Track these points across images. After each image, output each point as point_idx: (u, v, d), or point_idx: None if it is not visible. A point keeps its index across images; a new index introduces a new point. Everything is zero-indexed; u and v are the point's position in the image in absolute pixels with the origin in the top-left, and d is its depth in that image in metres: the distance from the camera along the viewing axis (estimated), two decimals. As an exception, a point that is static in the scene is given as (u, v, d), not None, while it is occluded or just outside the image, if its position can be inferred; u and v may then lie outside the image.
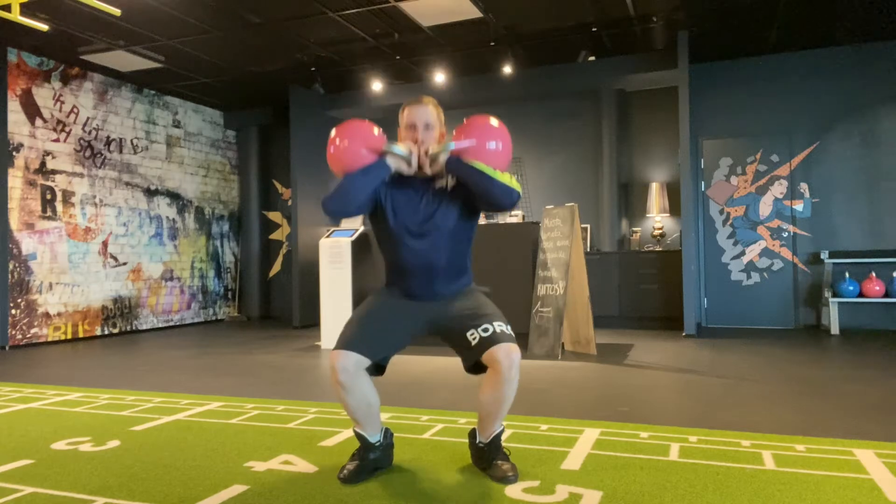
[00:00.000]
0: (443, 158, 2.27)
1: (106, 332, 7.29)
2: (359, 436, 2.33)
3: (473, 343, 2.22)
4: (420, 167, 2.30)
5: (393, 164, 2.28)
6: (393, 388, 3.86)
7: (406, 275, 2.33)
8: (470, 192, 2.29)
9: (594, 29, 6.21)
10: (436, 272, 2.32)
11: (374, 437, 2.34)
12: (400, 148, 2.27)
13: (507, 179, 2.26)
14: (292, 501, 2.10)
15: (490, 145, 2.29)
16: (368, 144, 2.28)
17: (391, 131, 2.54)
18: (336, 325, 5.88)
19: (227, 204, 9.23)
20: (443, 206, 2.32)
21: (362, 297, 5.89)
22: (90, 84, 7.19)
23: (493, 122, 2.36)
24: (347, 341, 2.23)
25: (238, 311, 9.23)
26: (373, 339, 2.26)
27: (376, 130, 2.34)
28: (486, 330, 2.21)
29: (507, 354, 2.15)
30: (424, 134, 2.32)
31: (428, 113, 2.34)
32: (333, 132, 2.33)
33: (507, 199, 2.24)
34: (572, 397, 3.65)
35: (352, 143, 2.28)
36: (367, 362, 2.23)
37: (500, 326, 2.23)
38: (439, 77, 7.39)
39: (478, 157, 2.27)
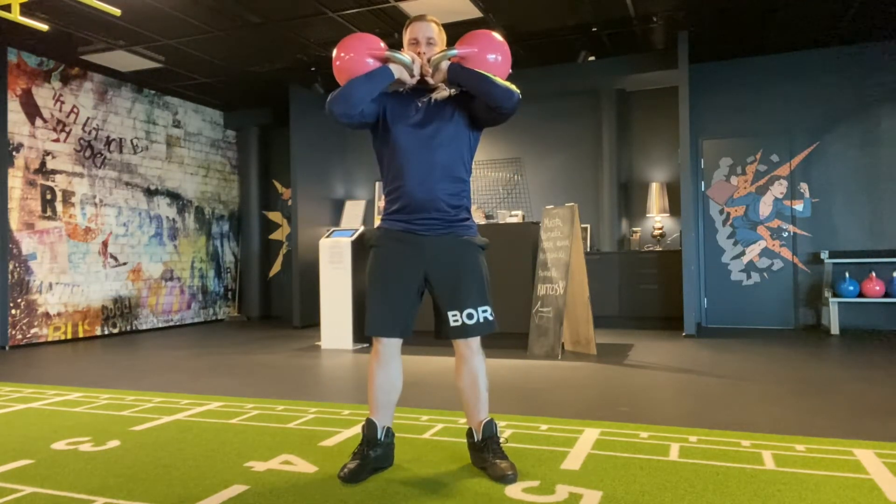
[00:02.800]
0: (444, 65, 2.31)
1: (106, 332, 7.29)
2: (369, 425, 2.35)
3: (452, 324, 2.33)
4: (422, 76, 2.35)
5: (396, 71, 2.31)
6: (393, 388, 3.86)
7: (405, 176, 2.33)
8: (471, 100, 2.34)
9: (594, 29, 6.21)
10: (433, 170, 2.32)
11: (380, 432, 2.35)
12: (403, 55, 2.32)
13: (507, 84, 2.30)
14: (292, 501, 2.10)
15: (490, 57, 2.35)
16: (372, 53, 2.33)
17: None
18: (336, 325, 5.89)
19: (227, 204, 9.23)
20: (443, 113, 2.37)
21: (362, 298, 5.89)
22: (90, 84, 7.19)
23: (495, 35, 2.41)
24: (384, 326, 2.34)
25: (238, 311, 9.23)
26: (398, 315, 2.34)
27: (380, 42, 2.38)
28: (469, 317, 2.32)
29: (467, 345, 2.36)
30: (427, 48, 2.37)
31: (430, 28, 2.40)
32: (338, 46, 2.37)
33: (508, 101, 2.28)
34: (572, 397, 3.65)
35: (356, 54, 2.33)
36: (400, 341, 2.39)
37: (484, 314, 2.34)
38: (439, 77, 7.38)
39: (478, 65, 2.33)
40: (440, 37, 2.42)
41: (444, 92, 2.42)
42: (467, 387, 2.38)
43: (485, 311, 2.34)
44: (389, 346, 2.36)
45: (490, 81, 2.27)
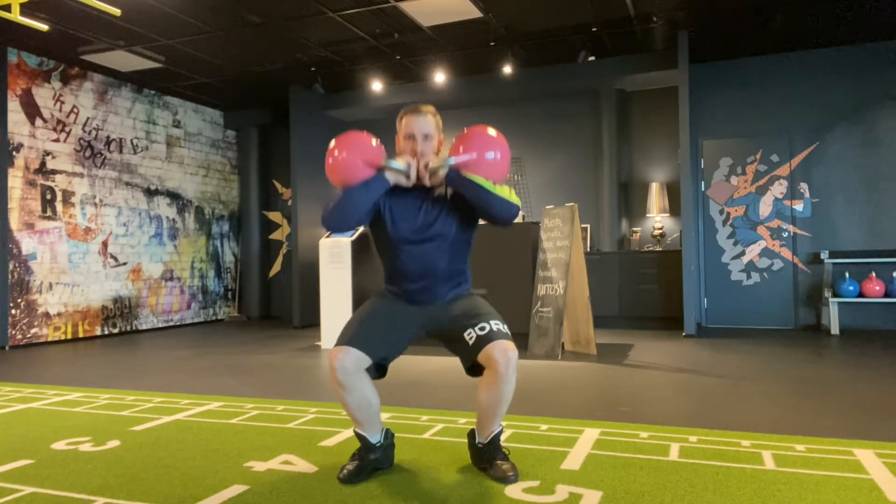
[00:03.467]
0: (442, 173, 2.25)
1: (106, 332, 7.29)
2: (359, 436, 2.33)
3: (471, 342, 2.23)
4: (419, 179, 2.30)
5: (392, 178, 2.27)
6: (393, 388, 3.86)
7: (405, 280, 2.34)
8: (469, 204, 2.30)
9: (594, 29, 6.21)
10: (435, 277, 2.32)
11: (375, 438, 2.34)
12: (398, 163, 2.26)
13: (507, 193, 2.26)
14: (292, 501, 2.11)
15: (489, 156, 2.28)
16: (367, 158, 2.27)
17: (390, 136, 2.54)
18: (336, 325, 5.88)
19: (227, 204, 9.23)
20: (443, 214, 2.32)
21: (362, 297, 5.89)
22: (90, 84, 7.19)
23: (492, 132, 2.34)
24: (345, 340, 2.24)
25: (238, 311, 9.23)
26: (371, 337, 2.26)
27: (374, 142, 2.33)
28: (482, 328, 2.23)
29: (503, 353, 2.16)
30: (423, 144, 2.31)
31: (427, 123, 2.33)
32: (332, 143, 2.33)
33: (506, 214, 2.26)
34: (572, 397, 3.65)
35: (350, 156, 2.27)
36: (366, 361, 2.23)
37: (497, 325, 2.25)
38: (439, 77, 7.39)
39: (477, 169, 2.26)
40: (437, 129, 2.35)
41: (442, 188, 2.35)
42: (489, 404, 2.24)
43: (497, 324, 2.26)
44: (346, 371, 2.18)
45: (488, 195, 2.23)
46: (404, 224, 2.31)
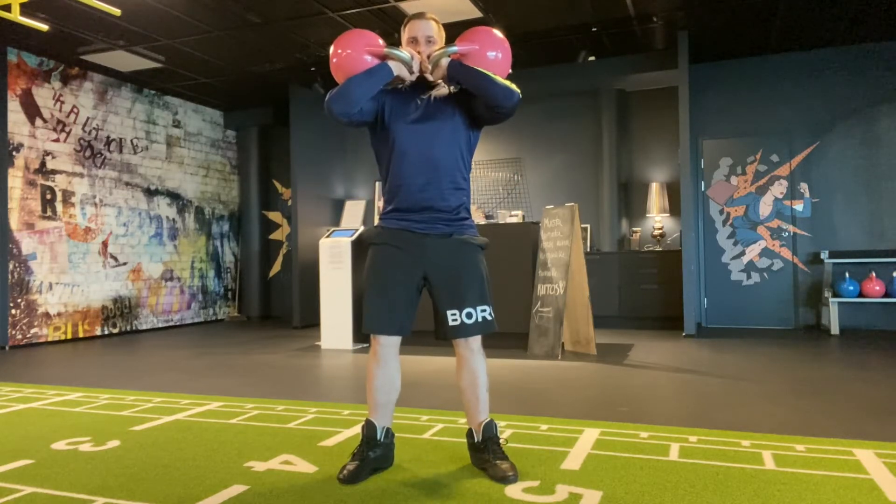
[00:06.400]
0: (444, 63, 2.29)
1: (106, 332, 7.29)
2: (368, 426, 2.34)
3: (452, 323, 2.32)
4: (422, 72, 2.34)
5: (395, 68, 2.30)
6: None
7: (404, 176, 2.33)
8: (471, 98, 2.33)
9: (594, 29, 6.21)
10: (434, 168, 2.32)
11: (379, 433, 2.35)
12: (402, 52, 2.30)
13: (508, 83, 2.29)
14: (292, 501, 2.10)
15: (490, 54, 2.32)
16: (370, 50, 2.30)
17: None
18: (336, 325, 5.89)
19: (227, 204, 9.23)
20: (443, 110, 2.36)
21: (362, 298, 5.89)
22: (90, 84, 7.19)
23: (496, 32, 2.38)
24: (382, 323, 2.32)
25: (238, 311, 9.23)
26: (396, 312, 2.32)
27: (379, 39, 2.36)
28: (469, 316, 2.31)
29: (466, 345, 2.36)
30: (426, 46, 2.35)
31: (430, 26, 2.38)
32: (334, 43, 2.35)
33: (508, 100, 2.27)
34: (572, 397, 3.65)
35: (354, 50, 2.30)
36: (397, 340, 2.37)
37: (483, 312, 2.33)
38: (439, 77, 7.38)
39: (478, 63, 2.30)
40: (439, 34, 2.40)
41: (443, 89, 2.41)
42: (467, 387, 2.38)
43: (484, 311, 2.34)
44: (388, 346, 2.35)
45: (490, 80, 2.25)
46: (403, 116, 2.35)
